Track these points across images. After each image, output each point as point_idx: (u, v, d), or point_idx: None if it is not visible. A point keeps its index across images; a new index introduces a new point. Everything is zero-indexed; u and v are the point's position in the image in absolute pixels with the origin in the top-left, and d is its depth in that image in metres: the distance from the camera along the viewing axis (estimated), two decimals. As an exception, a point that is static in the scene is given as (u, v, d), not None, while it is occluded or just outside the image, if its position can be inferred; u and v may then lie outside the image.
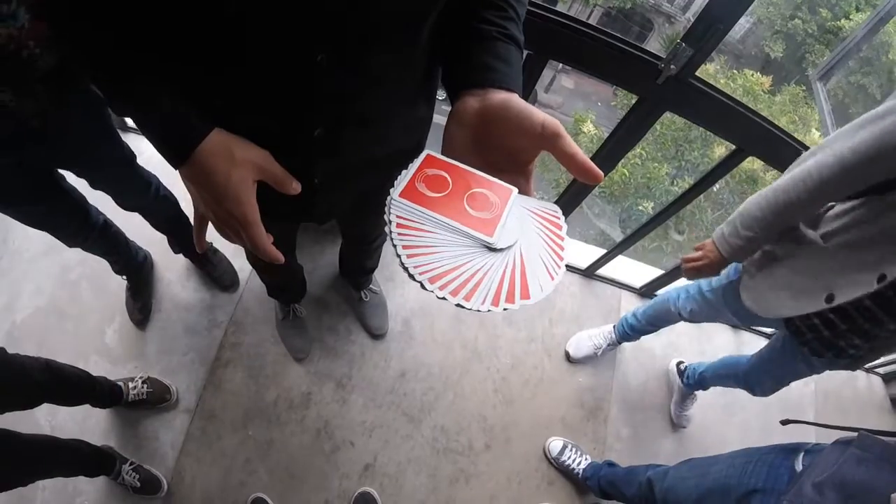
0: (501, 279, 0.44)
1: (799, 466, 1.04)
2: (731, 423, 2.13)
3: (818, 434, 1.89)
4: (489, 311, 0.42)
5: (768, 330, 2.20)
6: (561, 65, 12.14)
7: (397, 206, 0.47)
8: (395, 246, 0.45)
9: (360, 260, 1.67)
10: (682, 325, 2.23)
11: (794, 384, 2.18)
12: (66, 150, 1.21)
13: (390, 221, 0.46)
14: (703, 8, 1.11)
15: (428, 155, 0.50)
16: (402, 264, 0.44)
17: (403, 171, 0.48)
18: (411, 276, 0.43)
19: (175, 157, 0.54)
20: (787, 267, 1.17)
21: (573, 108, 10.40)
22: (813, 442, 1.09)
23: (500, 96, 0.49)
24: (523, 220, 0.48)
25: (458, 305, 0.42)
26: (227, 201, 0.55)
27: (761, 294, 1.25)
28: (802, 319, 1.20)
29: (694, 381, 1.94)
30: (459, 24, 0.56)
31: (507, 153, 0.49)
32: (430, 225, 0.46)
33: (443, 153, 0.51)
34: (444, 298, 0.42)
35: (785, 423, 1.21)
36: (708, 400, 2.12)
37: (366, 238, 1.44)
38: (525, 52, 0.58)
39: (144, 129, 0.55)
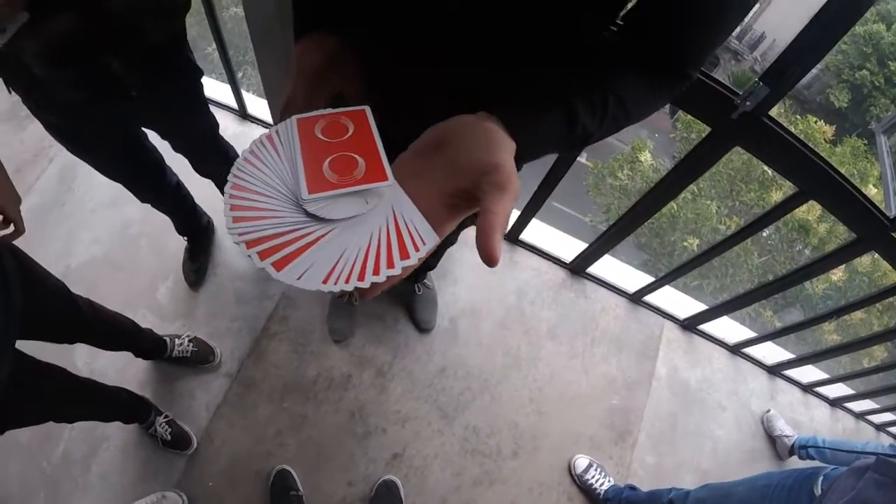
0: (278, 235, 0.43)
1: (818, 491, 1.19)
2: (754, 469, 2.27)
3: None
4: (245, 253, 0.42)
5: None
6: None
7: (286, 125, 0.51)
8: (249, 147, 0.49)
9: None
10: (719, 358, 2.41)
11: (821, 428, 2.37)
12: (157, 116, 1.41)
13: (270, 130, 0.51)
14: (783, 50, 1.26)
15: (363, 109, 0.52)
16: (237, 163, 0.47)
17: (330, 108, 0.52)
18: (231, 174, 0.46)
19: (296, 31, 0.69)
20: None
21: (630, 136, 10.59)
22: (831, 467, 1.24)
23: (493, 125, 0.48)
24: (374, 215, 0.46)
25: (228, 229, 0.43)
26: (305, 77, 0.65)
27: None
28: None
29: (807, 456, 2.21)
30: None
31: (449, 172, 0.47)
32: (287, 154, 0.48)
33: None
34: (224, 204, 0.45)
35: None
36: (732, 443, 2.29)
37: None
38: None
39: (293, 7, 0.70)
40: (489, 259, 0.41)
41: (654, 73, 0.60)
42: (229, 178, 0.46)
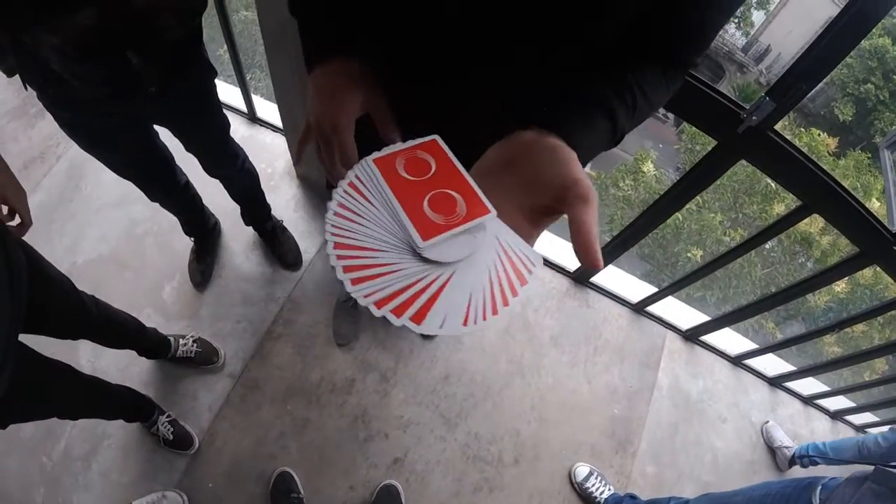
0: (405, 289, 0.43)
1: (816, 501, 1.22)
2: (755, 480, 2.29)
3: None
4: (368, 308, 0.42)
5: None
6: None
7: (363, 168, 0.48)
8: (333, 200, 0.47)
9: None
10: (721, 370, 2.44)
11: (822, 435, 2.42)
12: (172, 114, 1.43)
13: (347, 177, 0.48)
14: (789, 66, 1.30)
15: (434, 140, 0.51)
16: (328, 220, 0.46)
17: (400, 143, 0.50)
18: (326, 233, 0.45)
19: (307, 63, 0.68)
20: None
21: (633, 146, 10.67)
22: (829, 476, 1.27)
23: (558, 142, 0.50)
24: (485, 248, 0.46)
25: (350, 292, 0.42)
26: (329, 103, 0.65)
27: None
28: None
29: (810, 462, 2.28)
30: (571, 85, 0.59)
31: (527, 190, 0.50)
32: (379, 199, 0.47)
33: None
34: (333, 267, 0.43)
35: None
36: (732, 454, 2.32)
37: None
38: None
39: (302, 34, 0.70)
40: (596, 265, 0.44)
41: (663, 65, 0.64)
42: (327, 237, 0.45)
